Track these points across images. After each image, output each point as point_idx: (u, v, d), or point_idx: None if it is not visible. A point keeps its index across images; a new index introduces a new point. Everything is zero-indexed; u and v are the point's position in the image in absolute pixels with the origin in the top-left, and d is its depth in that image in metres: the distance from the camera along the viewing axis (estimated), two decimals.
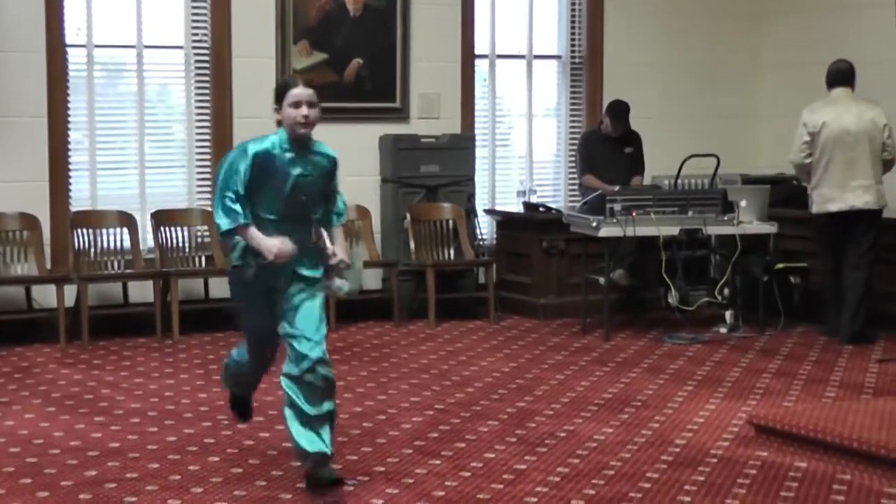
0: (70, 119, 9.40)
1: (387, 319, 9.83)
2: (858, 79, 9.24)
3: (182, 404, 7.21)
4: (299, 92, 5.47)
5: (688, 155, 10.06)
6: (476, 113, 10.81)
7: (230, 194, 5.37)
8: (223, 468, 5.88)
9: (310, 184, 5.53)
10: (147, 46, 9.65)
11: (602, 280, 9.41)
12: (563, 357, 8.67)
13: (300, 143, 5.50)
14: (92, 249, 9.34)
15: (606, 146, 10.33)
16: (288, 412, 5.52)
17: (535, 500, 5.42)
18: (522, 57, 11.12)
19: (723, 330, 9.51)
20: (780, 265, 9.87)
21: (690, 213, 9.26)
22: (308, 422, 5.46)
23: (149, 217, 9.58)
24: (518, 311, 10.31)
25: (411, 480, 5.69)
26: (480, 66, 10.87)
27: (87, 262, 9.29)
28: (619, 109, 10.19)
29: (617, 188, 9.75)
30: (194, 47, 9.77)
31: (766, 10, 11.84)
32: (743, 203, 9.38)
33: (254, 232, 5.40)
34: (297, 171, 5.47)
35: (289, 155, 5.47)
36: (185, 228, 9.68)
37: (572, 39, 11.26)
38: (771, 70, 11.83)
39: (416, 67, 10.39)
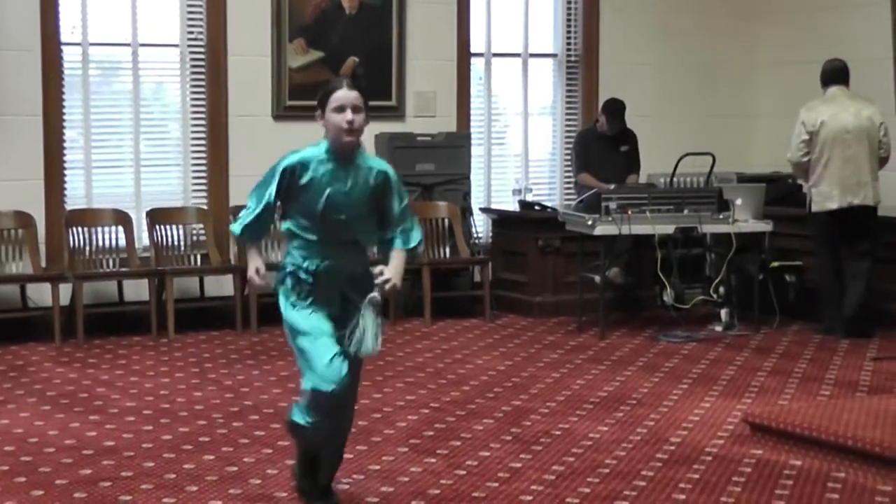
0: (65, 117, 9.39)
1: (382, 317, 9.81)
2: (853, 78, 9.28)
3: (177, 403, 7.21)
4: (343, 95, 4.90)
5: (683, 153, 10.07)
6: (472, 111, 10.81)
7: (252, 203, 4.99)
8: (218, 466, 5.88)
9: (349, 202, 4.92)
10: (142, 44, 9.64)
11: (597, 278, 9.42)
12: (558, 355, 8.67)
13: (344, 153, 4.93)
14: (87, 248, 9.33)
15: (602, 145, 10.33)
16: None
17: (530, 498, 5.42)
18: (518, 55, 11.12)
19: (718, 328, 9.51)
20: (776, 263, 9.88)
21: (686, 212, 9.27)
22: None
23: (144, 215, 9.57)
24: (513, 309, 10.31)
25: (406, 479, 5.69)
26: (476, 65, 10.87)
27: (82, 261, 9.29)
28: (615, 108, 10.19)
29: (612, 186, 9.75)
30: (190, 45, 9.76)
31: (760, 10, 11.84)
32: (738, 201, 9.38)
33: (250, 252, 5.11)
34: (333, 186, 4.90)
35: (327, 167, 4.92)
36: (181, 227, 9.67)
37: (568, 38, 11.26)
38: (766, 69, 11.83)
39: (412, 66, 10.39)
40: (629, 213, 9.07)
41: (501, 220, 10.74)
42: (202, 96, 9.81)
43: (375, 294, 4.91)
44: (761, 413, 6.46)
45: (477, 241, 10.48)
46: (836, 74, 9.20)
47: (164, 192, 9.83)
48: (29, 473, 5.74)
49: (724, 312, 9.58)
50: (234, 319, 9.41)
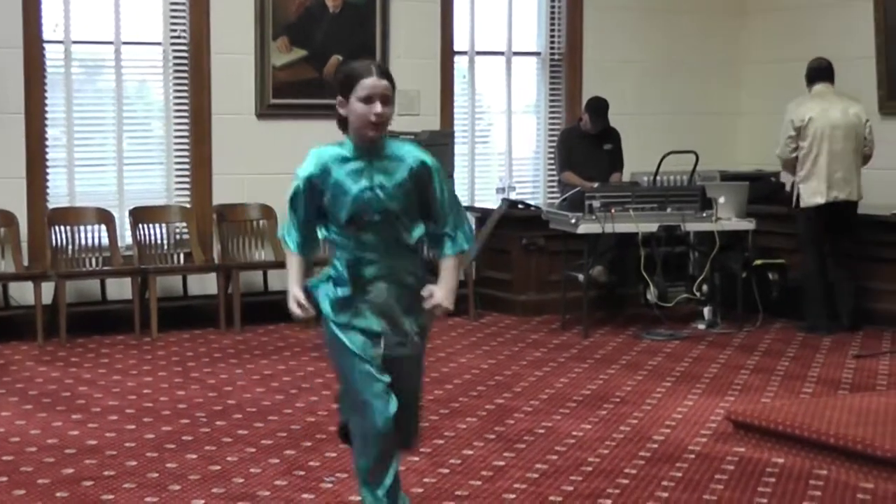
0: (48, 115, 9.36)
1: None
2: (836, 76, 9.32)
3: (160, 402, 7.20)
4: (373, 83, 4.32)
5: (667, 152, 10.07)
6: (455, 110, 10.80)
7: (290, 215, 4.55)
8: (201, 466, 5.87)
9: (381, 200, 4.37)
10: (125, 43, 9.61)
11: (581, 277, 9.42)
12: (542, 354, 8.67)
13: (368, 147, 4.40)
14: (70, 246, 9.30)
15: (585, 143, 10.33)
16: None
17: (513, 496, 5.42)
18: (502, 54, 11.12)
19: (701, 326, 9.53)
20: (759, 261, 9.90)
21: (669, 210, 9.28)
22: None
23: (127, 214, 9.55)
24: (497, 307, 10.31)
25: None
26: (460, 63, 10.86)
27: (64, 260, 9.26)
28: (599, 106, 10.20)
29: (596, 185, 9.76)
30: (173, 44, 9.74)
31: (744, 7, 11.86)
32: (721, 200, 9.40)
33: (292, 267, 4.55)
34: (359, 185, 4.37)
35: (350, 166, 4.40)
36: (164, 225, 9.65)
37: (552, 36, 11.26)
38: (749, 67, 11.85)
39: (396, 64, 10.36)
40: (613, 211, 9.08)
41: (485, 218, 10.72)
42: (185, 94, 9.79)
43: (416, 340, 4.53)
44: (744, 411, 6.47)
45: None
46: (821, 73, 9.27)
47: (147, 191, 9.80)
48: (10, 473, 5.72)
49: (707, 310, 9.59)
50: (217, 318, 9.39)
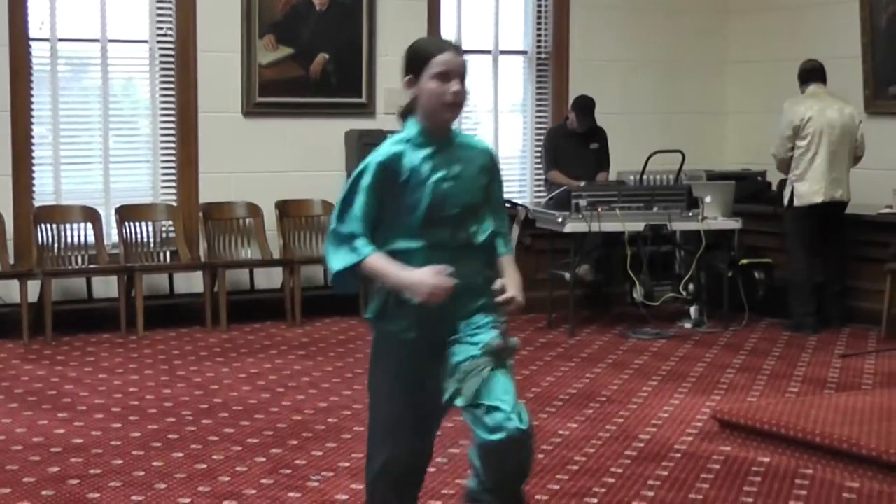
0: (33, 113, 9.34)
1: (352, 315, 9.81)
2: None
3: (146, 400, 7.19)
4: (449, 59, 3.89)
5: (653, 151, 10.08)
6: None
7: (345, 222, 3.91)
8: (187, 464, 5.86)
9: (461, 190, 3.95)
10: (111, 40, 9.59)
11: (567, 275, 9.43)
12: (528, 352, 8.67)
13: (440, 133, 3.97)
14: (55, 244, 9.28)
15: (572, 142, 10.34)
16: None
17: None
18: (488, 52, 11.12)
19: (687, 325, 9.54)
20: (745, 261, 9.93)
21: (655, 209, 9.29)
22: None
23: (113, 212, 9.53)
24: None
25: None
26: None
27: (50, 258, 9.24)
28: (585, 105, 10.20)
29: (582, 184, 9.77)
30: (159, 41, 9.72)
31: (731, 7, 11.88)
32: (708, 199, 9.43)
33: (381, 262, 3.87)
34: (438, 173, 3.92)
35: (423, 152, 3.94)
36: (150, 223, 9.63)
37: (538, 35, 11.26)
38: (736, 66, 11.87)
39: (383, 62, 10.37)
40: (599, 210, 9.09)
41: None
42: (172, 93, 9.77)
43: (496, 338, 3.96)
44: (730, 410, 6.48)
45: None
46: (814, 73, 9.35)
47: (133, 189, 9.79)
48: None
49: (693, 309, 9.61)
50: (203, 316, 9.38)
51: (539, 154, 11.01)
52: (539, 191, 11.07)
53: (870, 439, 5.69)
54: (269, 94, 9.93)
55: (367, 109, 10.34)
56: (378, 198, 3.90)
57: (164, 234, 9.73)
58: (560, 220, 9.13)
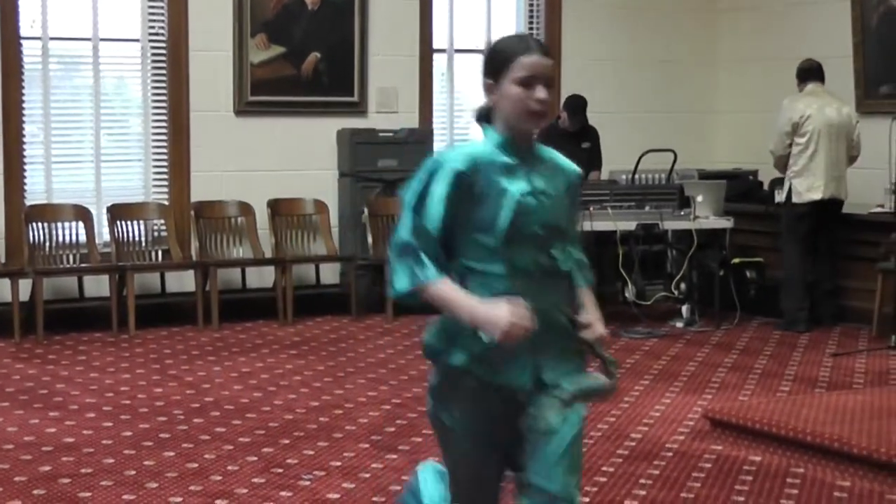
0: (25, 112, 9.32)
1: (344, 314, 9.81)
2: None
3: (137, 399, 7.18)
4: (535, 62, 3.42)
5: (645, 150, 10.09)
6: (434, 107, 10.81)
7: (412, 233, 3.38)
8: (178, 463, 5.86)
9: (545, 208, 3.44)
10: (103, 39, 9.58)
11: None
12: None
13: (524, 144, 3.49)
14: (47, 243, 9.27)
15: (563, 141, 10.29)
16: None
17: None
18: (481, 51, 11.08)
19: (679, 324, 9.55)
20: (736, 260, 9.94)
21: (647, 208, 9.30)
22: None
23: (104, 211, 9.52)
24: None
25: (368, 475, 5.69)
26: (439, 61, 10.86)
27: (41, 256, 9.23)
28: (577, 104, 10.21)
29: None
30: (151, 40, 9.71)
31: (722, 6, 11.89)
32: (699, 198, 9.44)
33: (450, 291, 3.34)
34: (521, 187, 3.41)
35: (504, 163, 3.43)
36: (142, 222, 9.62)
37: (530, 34, 11.27)
38: (727, 65, 11.88)
39: (375, 61, 10.37)
40: (591, 209, 9.09)
41: None
42: (163, 91, 9.76)
43: (595, 381, 3.56)
44: (721, 409, 6.49)
45: None
46: (812, 73, 9.41)
47: (124, 188, 9.78)
48: None
49: (685, 309, 9.62)
50: (195, 315, 9.37)
51: None
52: None
53: (861, 438, 5.70)
54: (260, 93, 9.92)
55: (359, 108, 10.33)
56: (452, 209, 3.35)
57: (155, 233, 9.72)
58: None
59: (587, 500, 5.36)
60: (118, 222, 9.49)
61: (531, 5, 11.23)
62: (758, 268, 10.00)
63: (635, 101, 11.55)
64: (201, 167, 9.76)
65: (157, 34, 9.72)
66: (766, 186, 10.42)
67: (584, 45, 11.29)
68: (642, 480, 5.63)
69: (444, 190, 3.34)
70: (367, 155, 10.13)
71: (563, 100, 10.52)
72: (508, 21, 11.25)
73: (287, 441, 6.27)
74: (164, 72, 9.75)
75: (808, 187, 9.25)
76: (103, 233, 9.54)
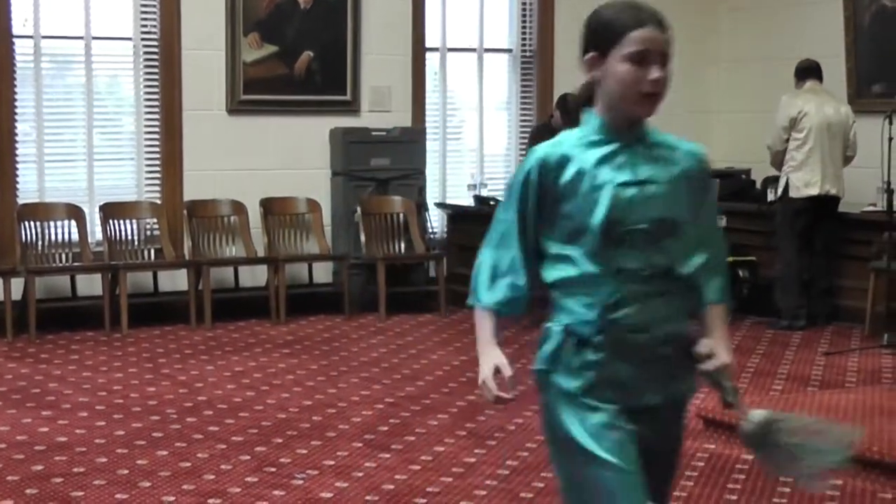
0: (17, 110, 9.31)
1: (337, 313, 9.81)
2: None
3: (130, 398, 7.17)
4: (649, 36, 2.96)
5: None
6: (427, 106, 10.80)
7: (493, 242, 3.13)
8: (171, 462, 5.86)
9: (651, 198, 2.98)
10: (95, 38, 9.56)
11: None
12: (512, 350, 8.66)
13: (629, 128, 3.02)
14: (39, 242, 9.26)
15: None
16: None
17: (484, 493, 5.43)
18: (473, 50, 11.13)
19: None
20: (729, 258, 9.91)
21: None
22: None
23: (97, 210, 9.51)
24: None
25: (361, 474, 5.69)
26: (431, 60, 10.86)
27: (34, 255, 9.22)
28: (570, 103, 10.19)
29: None
30: (143, 39, 9.70)
31: (717, 6, 11.89)
32: None
33: (481, 322, 3.21)
34: (619, 177, 2.97)
35: (601, 151, 2.99)
36: (134, 221, 9.61)
37: (523, 33, 11.27)
38: (721, 65, 11.89)
39: (367, 60, 10.37)
40: None
41: (456, 215, 10.74)
42: (156, 90, 9.75)
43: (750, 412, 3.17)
44: (714, 408, 6.49)
45: (432, 236, 10.48)
46: (811, 71, 9.48)
47: (117, 187, 9.77)
48: None
49: None
50: (188, 314, 9.36)
51: (524, 152, 11.01)
52: None
53: None
54: (253, 92, 9.92)
55: (352, 107, 10.33)
56: (537, 208, 3.00)
57: (148, 232, 9.71)
58: None
59: None
60: (111, 221, 9.48)
61: (524, 4, 11.23)
62: (751, 267, 10.00)
63: None
64: (194, 166, 9.75)
65: (149, 33, 9.71)
66: (759, 185, 10.42)
67: (576, 44, 11.21)
68: None
69: (519, 191, 3.01)
70: (360, 154, 10.13)
71: (555, 99, 10.53)
72: (501, 19, 11.25)
73: (280, 440, 6.27)
74: (156, 70, 9.74)
75: (805, 182, 9.29)
76: (96, 232, 9.53)
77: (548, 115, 10.70)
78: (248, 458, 5.94)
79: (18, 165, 9.34)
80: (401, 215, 10.24)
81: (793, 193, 9.32)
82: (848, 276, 9.56)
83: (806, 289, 9.45)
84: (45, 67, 9.53)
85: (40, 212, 9.32)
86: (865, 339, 8.98)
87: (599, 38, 2.99)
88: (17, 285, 8.92)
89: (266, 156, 10.02)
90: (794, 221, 9.38)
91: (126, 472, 5.69)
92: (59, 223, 9.34)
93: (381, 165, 10.20)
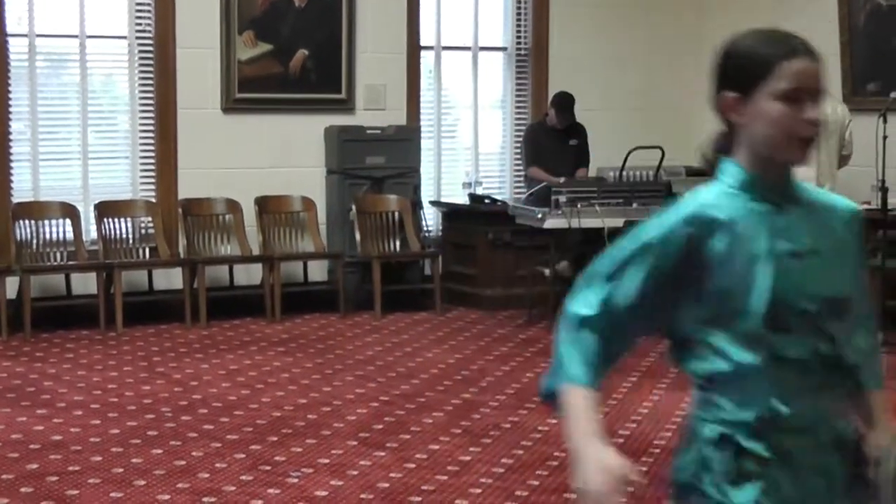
0: (11, 109, 9.30)
1: (332, 311, 9.81)
2: None
3: (125, 397, 7.17)
4: (804, 68, 2.47)
5: (632, 147, 10.09)
6: (422, 104, 10.80)
7: (592, 308, 2.52)
8: (166, 461, 5.85)
9: (819, 273, 2.47)
10: (90, 36, 9.55)
11: (547, 272, 9.44)
12: (508, 348, 8.68)
13: (780, 183, 2.55)
14: (34, 241, 9.25)
15: (551, 138, 10.35)
16: None
17: (479, 491, 5.43)
18: (468, 49, 11.13)
19: None
20: None
21: (635, 205, 9.31)
22: None
23: (92, 208, 9.50)
24: (463, 302, 10.31)
25: (356, 472, 5.69)
26: (426, 58, 10.86)
27: (29, 254, 9.21)
28: (565, 101, 10.21)
29: (562, 180, 9.78)
30: (138, 37, 9.69)
31: (710, 3, 11.90)
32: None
33: (575, 407, 2.45)
34: (781, 245, 2.45)
35: (755, 213, 2.48)
36: (129, 220, 9.60)
37: (518, 31, 11.27)
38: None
39: (362, 58, 10.36)
40: (579, 206, 9.10)
41: (451, 213, 10.74)
42: (151, 89, 9.74)
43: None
44: None
45: (427, 234, 10.48)
46: None
47: (112, 185, 9.76)
48: None
49: None
50: (182, 313, 9.35)
51: (519, 150, 11.02)
52: (519, 187, 11.07)
53: None
54: (248, 91, 9.91)
55: (347, 106, 10.33)
56: (671, 278, 2.44)
57: (143, 231, 9.70)
58: (540, 216, 9.14)
59: (575, 496, 5.36)
60: (105, 220, 9.47)
61: (519, 2, 11.23)
62: None
63: (623, 98, 11.56)
64: (189, 164, 9.75)
65: (144, 31, 9.70)
66: None
67: (572, 42, 11.29)
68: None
69: (654, 244, 2.46)
70: (355, 152, 10.13)
71: (550, 97, 10.54)
72: (496, 18, 11.25)
73: (275, 438, 6.27)
74: (151, 69, 9.73)
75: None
76: (90, 230, 9.52)
77: (543, 113, 10.71)
78: (243, 456, 5.94)
79: (13, 164, 9.33)
80: (396, 213, 10.24)
81: None
82: None
83: None
84: (40, 66, 9.51)
85: (35, 210, 9.31)
86: None
87: (741, 73, 2.46)
88: (11, 284, 8.91)
89: (261, 154, 10.01)
90: None
91: (121, 470, 5.69)
92: (53, 222, 9.33)
93: (376, 164, 10.20)
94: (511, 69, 11.31)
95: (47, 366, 8.01)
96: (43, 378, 7.65)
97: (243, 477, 5.59)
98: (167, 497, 5.31)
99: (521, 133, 10.92)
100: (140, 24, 9.69)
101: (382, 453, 6.00)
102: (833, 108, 9.41)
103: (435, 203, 10.83)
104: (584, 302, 2.52)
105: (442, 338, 9.09)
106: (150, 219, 9.66)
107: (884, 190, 8.87)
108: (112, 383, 7.51)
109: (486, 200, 10.47)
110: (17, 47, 9.31)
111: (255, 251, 9.78)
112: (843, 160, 9.47)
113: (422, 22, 10.72)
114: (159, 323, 9.33)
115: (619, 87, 11.54)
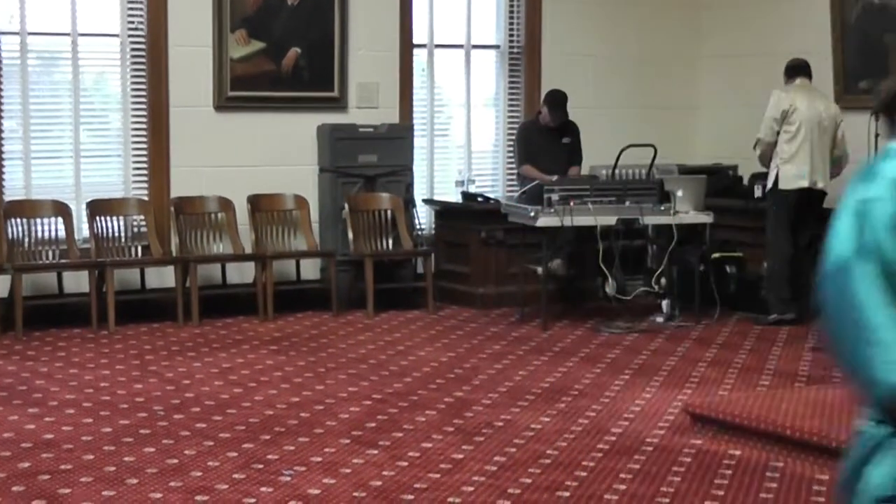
0: (3, 108, 9.28)
1: (325, 309, 9.80)
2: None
3: (117, 395, 7.16)
4: None
5: (625, 145, 10.10)
6: (415, 103, 10.80)
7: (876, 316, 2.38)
8: (159, 459, 5.85)
9: None
10: (82, 34, 9.54)
11: (540, 270, 9.44)
12: (500, 347, 8.68)
13: None
14: (26, 239, 9.24)
15: (544, 136, 10.35)
16: None
17: (471, 489, 5.43)
18: (461, 47, 11.12)
19: (659, 319, 9.56)
20: (716, 255, 9.95)
21: (627, 203, 9.31)
22: None
23: (84, 206, 9.49)
24: (456, 300, 10.31)
25: (348, 470, 5.69)
26: (419, 56, 10.86)
27: (21, 252, 9.19)
28: (557, 99, 10.21)
29: (554, 178, 9.78)
30: (130, 35, 9.68)
31: (703, 2, 11.90)
32: (679, 193, 9.45)
33: None
34: None
35: None
36: (121, 218, 9.59)
37: (511, 29, 11.27)
38: (708, 61, 11.90)
39: (355, 57, 10.36)
40: (571, 204, 9.10)
41: (444, 211, 10.74)
42: (143, 87, 9.73)
43: None
44: (701, 403, 6.52)
45: (419, 232, 10.48)
46: (801, 69, 9.57)
47: (104, 184, 9.75)
48: None
49: (665, 304, 9.63)
50: (175, 311, 9.34)
51: (511, 148, 11.01)
52: (511, 185, 11.08)
53: (840, 432, 5.71)
54: (240, 89, 9.90)
55: (340, 104, 10.32)
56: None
57: (135, 229, 9.70)
58: (532, 214, 9.14)
59: (567, 494, 5.37)
60: (98, 218, 9.46)
61: (511, 1, 11.22)
62: (738, 263, 10.03)
63: (616, 96, 11.56)
64: (181, 163, 9.74)
65: (136, 29, 9.69)
66: (746, 182, 10.44)
67: (564, 40, 11.29)
68: (622, 475, 5.64)
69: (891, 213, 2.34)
70: (348, 150, 10.12)
71: (543, 95, 10.54)
72: (489, 16, 11.25)
73: (267, 437, 6.26)
74: (143, 67, 9.72)
75: (796, 174, 9.33)
76: (83, 228, 9.51)
77: (535, 111, 10.71)
78: (236, 454, 5.93)
79: (4, 162, 9.32)
80: (388, 212, 10.24)
81: (784, 185, 9.35)
82: None
83: (795, 281, 9.45)
84: (32, 64, 9.50)
85: (27, 209, 9.29)
86: None
87: None
88: (3, 282, 8.90)
89: (253, 152, 10.00)
90: (785, 213, 9.41)
91: (113, 469, 5.68)
92: (45, 220, 9.32)
93: (369, 162, 10.19)
94: (504, 67, 11.31)
95: (39, 364, 8.00)
96: (35, 377, 7.64)
97: (236, 475, 5.59)
98: (159, 495, 5.31)
99: (514, 131, 10.92)
100: (132, 23, 9.67)
101: (375, 451, 6.00)
102: (826, 107, 9.45)
103: (428, 201, 10.82)
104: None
105: (434, 336, 9.09)
106: (142, 217, 9.65)
107: None
108: (104, 382, 7.50)
109: (479, 199, 10.47)
110: (8, 45, 9.30)
111: (248, 249, 9.78)
112: (837, 164, 9.47)
113: (414, 20, 10.71)
114: (152, 321, 9.32)
115: (611, 86, 11.54)
